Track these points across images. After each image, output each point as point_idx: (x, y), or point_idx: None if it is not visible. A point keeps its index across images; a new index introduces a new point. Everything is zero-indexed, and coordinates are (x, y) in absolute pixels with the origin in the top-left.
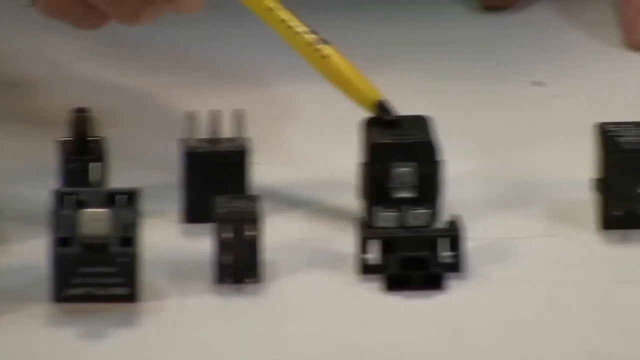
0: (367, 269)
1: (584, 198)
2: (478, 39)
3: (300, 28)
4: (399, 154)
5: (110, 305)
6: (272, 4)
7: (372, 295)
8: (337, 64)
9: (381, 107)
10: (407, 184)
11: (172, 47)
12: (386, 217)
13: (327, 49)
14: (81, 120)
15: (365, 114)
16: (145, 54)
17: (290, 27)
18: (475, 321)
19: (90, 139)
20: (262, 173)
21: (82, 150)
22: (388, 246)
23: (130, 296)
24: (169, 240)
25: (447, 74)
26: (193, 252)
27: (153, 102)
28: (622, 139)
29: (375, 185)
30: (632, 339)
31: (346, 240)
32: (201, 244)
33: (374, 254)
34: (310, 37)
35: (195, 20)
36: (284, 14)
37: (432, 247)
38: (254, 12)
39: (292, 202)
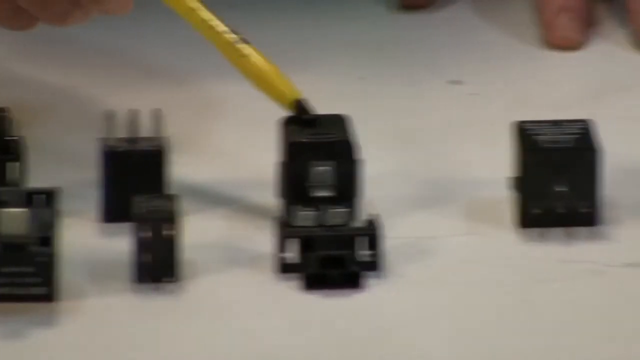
0: (285, 268)
1: (503, 196)
2: (397, 38)
3: (221, 28)
4: (317, 153)
5: (29, 304)
6: (193, 4)
7: (291, 294)
8: (256, 63)
9: (299, 106)
10: (326, 183)
11: (92, 45)
12: (304, 216)
13: (246, 49)
14: None
15: (284, 112)
16: (65, 52)
17: (211, 26)
18: (393, 320)
19: (8, 138)
20: (180, 172)
21: None
22: (307, 245)
23: (49, 296)
24: (88, 239)
25: (365, 73)
26: (112, 252)
27: (72, 101)
28: (539, 138)
29: (293, 185)
30: (549, 337)
31: (265, 240)
32: (120, 243)
33: (293, 253)
34: (231, 36)
35: (117, 20)
36: (205, 14)
37: (351, 246)
38: (176, 12)
39: (210, 201)
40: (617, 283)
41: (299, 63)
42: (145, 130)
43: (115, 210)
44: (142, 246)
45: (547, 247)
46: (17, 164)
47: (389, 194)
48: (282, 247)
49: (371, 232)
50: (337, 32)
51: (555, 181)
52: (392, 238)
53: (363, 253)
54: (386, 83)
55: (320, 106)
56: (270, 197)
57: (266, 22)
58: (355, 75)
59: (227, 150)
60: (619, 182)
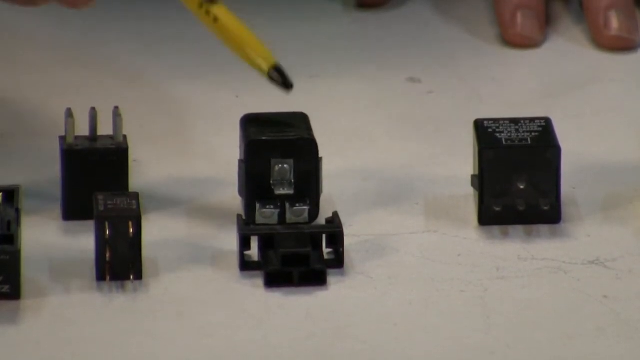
0: (247, 266)
1: (463, 194)
2: (354, 36)
3: None
4: (278, 151)
5: None
6: None
7: (252, 292)
8: (231, 28)
9: (277, 71)
10: (287, 181)
11: (54, 44)
12: (266, 214)
13: (217, 9)
14: None
15: (244, 111)
16: (27, 50)
17: None
18: (354, 317)
19: None
20: (141, 170)
21: None
22: (268, 243)
23: (12, 294)
24: (50, 237)
25: (323, 71)
26: (74, 250)
27: (32, 99)
28: (499, 135)
29: (254, 183)
30: (509, 335)
31: (227, 237)
32: (82, 241)
33: (256, 251)
34: None
35: (75, 16)
36: None
37: (313, 243)
38: None
39: (172, 199)
40: (578, 281)
41: None
42: (105, 128)
43: (76, 208)
44: (104, 244)
45: (507, 244)
46: None
47: (350, 192)
48: (243, 245)
49: (332, 230)
50: (294, 30)
51: (516, 179)
52: (352, 235)
53: (324, 251)
54: (344, 81)
55: (279, 104)
56: (232, 195)
57: None
58: (311, 73)
59: (188, 147)
60: (577, 180)
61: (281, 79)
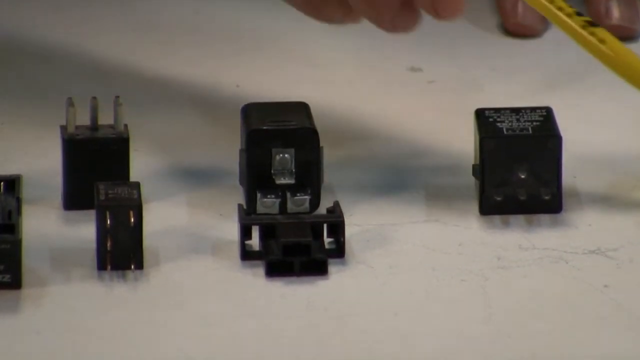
0: (248, 255)
1: (464, 184)
2: (355, 25)
3: (567, 10)
4: (278, 140)
5: None
6: None
7: (253, 281)
8: (618, 50)
9: None
10: (288, 171)
11: (54, 32)
12: (267, 204)
13: (600, 33)
14: None
15: (245, 99)
16: (27, 39)
17: (560, 8)
18: (355, 307)
19: None
20: (142, 159)
21: None
22: (269, 232)
23: (13, 283)
24: (51, 227)
25: (324, 60)
26: (75, 239)
27: (35, 89)
28: (500, 125)
29: (255, 172)
30: (510, 324)
31: (228, 227)
32: (83, 230)
33: (257, 240)
34: (580, 19)
35: (77, 5)
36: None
37: (314, 233)
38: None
39: (173, 188)
40: (579, 270)
41: (257, 51)
42: (106, 117)
43: (77, 197)
44: (105, 234)
45: (508, 234)
46: None
47: (352, 181)
48: (244, 235)
49: (334, 220)
50: (295, 18)
51: (517, 168)
52: (353, 225)
53: (325, 240)
54: (345, 70)
55: (279, 93)
56: (233, 184)
57: (230, 5)
58: (312, 62)
59: (189, 137)
60: (578, 170)
61: None
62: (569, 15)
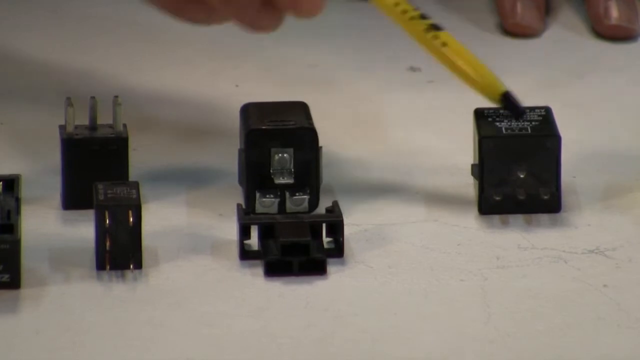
0: (247, 255)
1: (463, 183)
2: (354, 25)
3: (412, 13)
4: (277, 140)
5: None
6: None
7: (252, 281)
8: (458, 54)
9: (507, 99)
10: (287, 170)
11: (52, 32)
12: (266, 203)
13: (444, 36)
14: None
15: (246, 98)
16: (27, 39)
17: (404, 11)
18: (354, 306)
19: None
20: (141, 159)
21: None
22: (268, 232)
23: (12, 283)
24: (50, 226)
25: (323, 60)
26: (74, 239)
27: (34, 89)
28: (499, 124)
29: (254, 172)
30: (509, 324)
31: (227, 227)
32: (82, 230)
33: (256, 240)
34: (424, 22)
35: (75, 5)
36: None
37: (313, 233)
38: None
39: (172, 188)
40: (578, 270)
41: (255, 50)
42: (105, 117)
43: (76, 197)
44: (104, 233)
45: (507, 233)
46: None
47: (349, 181)
48: (243, 234)
49: (332, 219)
50: (294, 19)
51: (516, 168)
52: (352, 225)
53: (324, 240)
54: (344, 70)
55: (278, 93)
56: (232, 184)
57: None
58: (311, 62)
59: (189, 137)
60: (577, 169)
61: (511, 107)
62: (412, 19)
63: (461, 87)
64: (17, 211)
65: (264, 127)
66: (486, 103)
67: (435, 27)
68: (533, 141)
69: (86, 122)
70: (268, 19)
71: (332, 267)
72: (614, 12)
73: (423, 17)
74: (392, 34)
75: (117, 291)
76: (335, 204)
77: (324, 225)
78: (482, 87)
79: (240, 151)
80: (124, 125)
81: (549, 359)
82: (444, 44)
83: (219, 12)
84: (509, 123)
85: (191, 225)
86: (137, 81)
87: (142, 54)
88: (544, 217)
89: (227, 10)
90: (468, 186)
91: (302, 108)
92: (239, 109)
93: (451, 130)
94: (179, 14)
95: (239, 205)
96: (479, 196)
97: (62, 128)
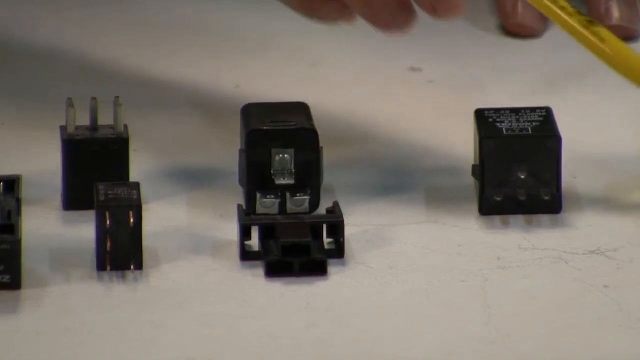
0: (247, 256)
1: (463, 184)
2: (355, 25)
3: (571, 9)
4: (278, 140)
5: None
6: None
7: (253, 282)
8: (619, 48)
9: None
10: (287, 171)
11: (54, 33)
12: (266, 204)
13: (602, 32)
14: None
15: (245, 100)
16: (27, 40)
17: (563, 8)
18: (355, 307)
19: None
20: (142, 160)
21: None
22: (269, 233)
23: (13, 284)
24: (51, 227)
25: (324, 60)
26: (75, 240)
27: (35, 89)
28: (499, 125)
29: (255, 172)
30: (510, 325)
31: (228, 227)
32: (83, 231)
33: (256, 241)
34: (583, 18)
35: (77, 6)
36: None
37: (314, 233)
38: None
39: (173, 189)
40: (579, 270)
41: (257, 50)
42: (106, 118)
43: (77, 198)
44: (104, 234)
45: (508, 234)
46: None
47: (351, 182)
48: (244, 235)
49: (333, 220)
50: (294, 19)
51: (516, 168)
52: (352, 225)
53: (325, 241)
54: (345, 70)
55: (279, 94)
56: (233, 184)
57: (222, 8)
58: (311, 62)
59: (190, 137)
60: (578, 170)
61: None
62: (570, 15)
63: (462, 87)
64: (18, 212)
65: (264, 128)
66: (485, 104)
67: (592, 23)
68: (534, 142)
69: (87, 122)
70: (402, 20)
71: (333, 268)
72: (615, 13)
73: (579, 14)
74: None
75: (118, 292)
76: (336, 205)
77: (324, 226)
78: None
79: (241, 152)
80: (125, 126)
81: None
82: (603, 40)
83: (353, 12)
84: (509, 124)
85: (192, 226)
86: (138, 82)
87: (143, 54)
88: (545, 218)
89: (364, 10)
90: (468, 187)
91: (303, 108)
92: (239, 110)
93: (452, 130)
94: (311, 13)
95: (239, 206)
96: (479, 197)
97: (63, 129)
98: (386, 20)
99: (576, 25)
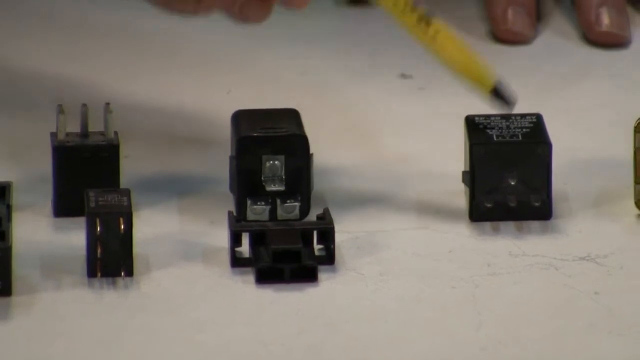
0: (238, 262)
1: (454, 190)
2: (346, 32)
3: (403, 2)
4: (269, 147)
5: None
6: None
7: (243, 288)
8: (451, 48)
9: (499, 88)
10: (278, 178)
11: (44, 40)
12: (257, 210)
13: (436, 27)
14: None
15: (245, 105)
16: (18, 46)
17: (395, 3)
18: (345, 313)
19: None
20: (133, 166)
21: None
22: (259, 239)
23: (3, 290)
24: (41, 234)
25: (314, 67)
26: (65, 246)
27: (25, 96)
28: (490, 131)
29: (245, 179)
30: (500, 331)
31: (219, 234)
32: (73, 237)
33: (247, 247)
34: (417, 12)
35: (68, 12)
36: None
37: (304, 240)
38: None
39: (163, 195)
40: (569, 277)
41: (248, 56)
42: (96, 124)
43: (67, 204)
44: (95, 241)
45: (498, 240)
46: None
47: (341, 188)
48: (234, 242)
49: (323, 226)
50: (285, 25)
51: (507, 175)
52: (343, 232)
53: (315, 247)
54: (335, 77)
55: (270, 100)
56: (223, 191)
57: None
58: (302, 69)
59: (180, 144)
60: (568, 176)
61: (503, 97)
62: (403, 11)
63: (452, 94)
64: (8, 218)
65: (255, 134)
66: (475, 110)
67: (427, 17)
68: (524, 148)
69: (77, 129)
70: (257, 9)
71: (323, 275)
72: (605, 19)
73: (415, 7)
74: (384, 40)
75: (109, 298)
76: (327, 211)
77: (315, 233)
78: (472, 78)
79: (231, 158)
80: (115, 133)
81: None
82: (436, 34)
83: (207, 2)
84: (499, 130)
85: (182, 233)
86: (128, 88)
87: (133, 61)
88: (535, 224)
89: (216, 1)
90: (459, 193)
91: (293, 115)
92: (230, 116)
93: (442, 137)
94: (169, 6)
95: (230, 212)
96: (469, 203)
97: (53, 135)
98: (240, 10)
99: (409, 19)
